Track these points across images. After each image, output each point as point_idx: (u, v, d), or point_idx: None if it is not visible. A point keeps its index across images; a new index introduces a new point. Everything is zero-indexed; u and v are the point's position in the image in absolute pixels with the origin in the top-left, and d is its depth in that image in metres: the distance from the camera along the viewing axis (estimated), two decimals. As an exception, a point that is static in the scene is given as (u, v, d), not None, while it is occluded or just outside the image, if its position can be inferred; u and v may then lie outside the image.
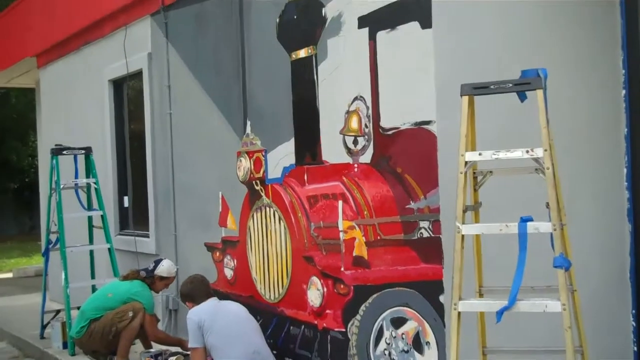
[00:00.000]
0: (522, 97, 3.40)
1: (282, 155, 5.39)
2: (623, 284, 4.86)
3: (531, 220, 3.18)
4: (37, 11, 10.45)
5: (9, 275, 14.52)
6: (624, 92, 4.87)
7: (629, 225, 4.85)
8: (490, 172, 3.55)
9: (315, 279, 5.03)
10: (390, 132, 4.40)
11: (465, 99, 3.34)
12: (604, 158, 4.83)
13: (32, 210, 25.36)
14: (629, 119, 4.87)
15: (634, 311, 4.86)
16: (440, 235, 4.07)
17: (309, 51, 5.05)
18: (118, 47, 7.81)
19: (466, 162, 3.28)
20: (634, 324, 4.85)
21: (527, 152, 3.21)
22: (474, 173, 3.57)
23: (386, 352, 4.45)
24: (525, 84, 3.28)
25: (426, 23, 4.11)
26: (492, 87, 3.32)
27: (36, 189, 22.94)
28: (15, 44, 11.72)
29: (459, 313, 3.18)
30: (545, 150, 3.17)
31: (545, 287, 3.44)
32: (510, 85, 3.32)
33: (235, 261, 6.00)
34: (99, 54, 8.54)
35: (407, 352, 4.31)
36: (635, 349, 4.85)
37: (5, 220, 25.57)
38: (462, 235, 3.24)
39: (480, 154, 3.30)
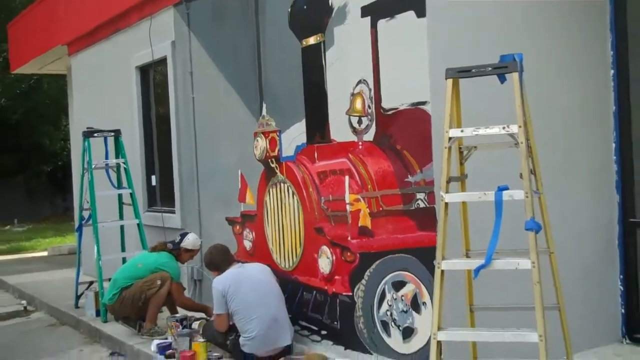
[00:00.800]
0: (502, 79, 3.76)
1: (295, 135, 5.77)
2: (612, 250, 5.22)
3: (507, 189, 3.57)
4: (68, 1, 10.81)
5: (44, 253, 15.10)
6: (612, 72, 5.22)
7: (617, 196, 5.22)
8: (475, 147, 3.94)
9: (325, 248, 5.45)
10: (390, 112, 4.80)
11: (450, 81, 3.72)
12: (594, 134, 5.18)
13: (65, 192, 25.91)
14: (617, 98, 5.22)
15: (621, 276, 5.23)
16: (435, 206, 4.46)
17: (318, 39, 5.43)
18: (144, 36, 8.15)
19: (450, 138, 3.67)
20: (622, 288, 5.22)
21: (504, 128, 3.58)
22: (460, 148, 3.96)
23: (388, 313, 4.88)
24: (502, 68, 3.65)
25: (421, 12, 4.48)
26: (473, 70, 3.70)
27: (69, 171, 23.45)
28: (48, 32, 12.03)
29: (442, 271, 3.59)
30: (520, 126, 3.53)
31: (525, 250, 3.82)
32: (490, 69, 3.69)
33: (253, 233, 6.43)
34: (126, 42, 8.88)
35: (406, 312, 4.73)
36: (623, 311, 5.22)
37: (40, 202, 26.22)
38: (446, 203, 3.64)
39: (462, 131, 3.68)
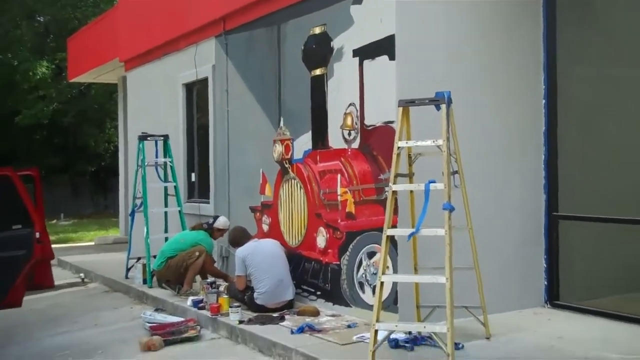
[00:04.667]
0: (438, 108, 5.43)
1: (303, 143, 7.49)
2: (539, 236, 6.87)
3: (434, 182, 5.24)
4: (126, 23, 12.50)
5: (91, 243, 16.85)
6: (544, 101, 6.88)
7: (544, 195, 6.87)
8: (420, 154, 5.65)
9: (322, 228, 7.17)
10: (370, 128, 6.52)
11: (400, 109, 5.43)
12: (528, 146, 6.84)
13: (107, 191, 27.79)
14: (547, 121, 6.88)
15: (545, 256, 6.87)
16: (397, 197, 6.13)
17: (322, 71, 7.17)
18: (190, 59, 9.86)
19: (398, 147, 5.36)
20: (545, 265, 6.87)
21: (433, 141, 5.26)
22: (410, 155, 5.66)
23: (363, 276, 6.58)
24: (435, 100, 5.34)
25: (392, 56, 6.19)
26: (416, 101, 5.41)
27: (111, 172, 25.08)
28: (106, 46, 13.79)
29: (388, 236, 5.25)
30: (443, 140, 5.20)
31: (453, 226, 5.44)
32: (427, 101, 5.39)
33: (270, 219, 8.16)
34: (175, 63, 10.58)
35: (375, 274, 6.41)
36: (546, 283, 6.86)
37: (83, 200, 27.79)
38: (393, 191, 5.33)
39: (407, 142, 5.38)
